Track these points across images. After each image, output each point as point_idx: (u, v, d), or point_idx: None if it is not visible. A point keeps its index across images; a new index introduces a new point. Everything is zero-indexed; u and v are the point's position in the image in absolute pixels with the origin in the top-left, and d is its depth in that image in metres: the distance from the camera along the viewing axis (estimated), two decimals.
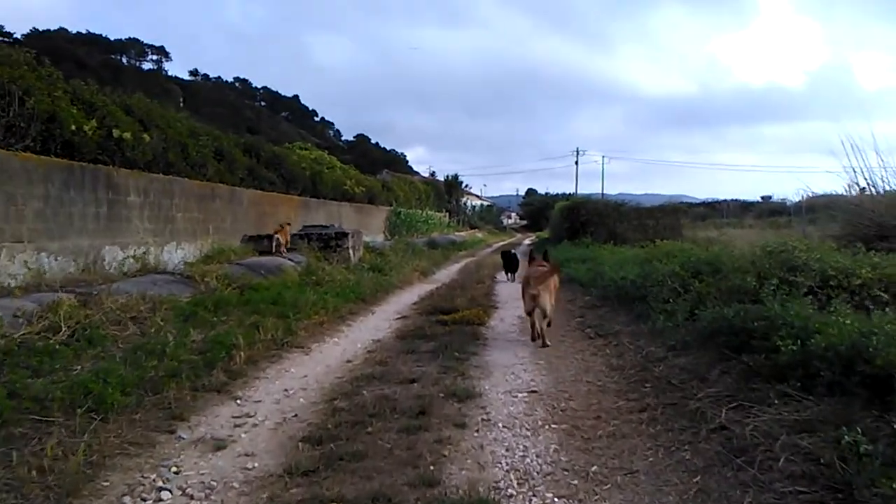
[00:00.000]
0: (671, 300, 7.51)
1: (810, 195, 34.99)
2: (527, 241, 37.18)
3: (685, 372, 5.18)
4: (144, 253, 12.20)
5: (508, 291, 13.64)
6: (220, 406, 5.30)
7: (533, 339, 7.59)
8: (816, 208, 30.93)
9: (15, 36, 54.62)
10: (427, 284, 15.28)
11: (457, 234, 39.20)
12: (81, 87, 13.68)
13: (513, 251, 18.50)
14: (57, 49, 55.65)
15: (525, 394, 5.40)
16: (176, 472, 3.94)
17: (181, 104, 60.74)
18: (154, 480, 3.80)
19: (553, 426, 4.63)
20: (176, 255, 15.11)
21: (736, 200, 54.64)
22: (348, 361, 6.85)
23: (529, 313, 7.56)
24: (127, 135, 13.72)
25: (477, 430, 4.57)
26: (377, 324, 9.40)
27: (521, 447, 4.23)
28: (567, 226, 23.53)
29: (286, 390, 5.78)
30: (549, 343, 7.33)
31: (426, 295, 12.41)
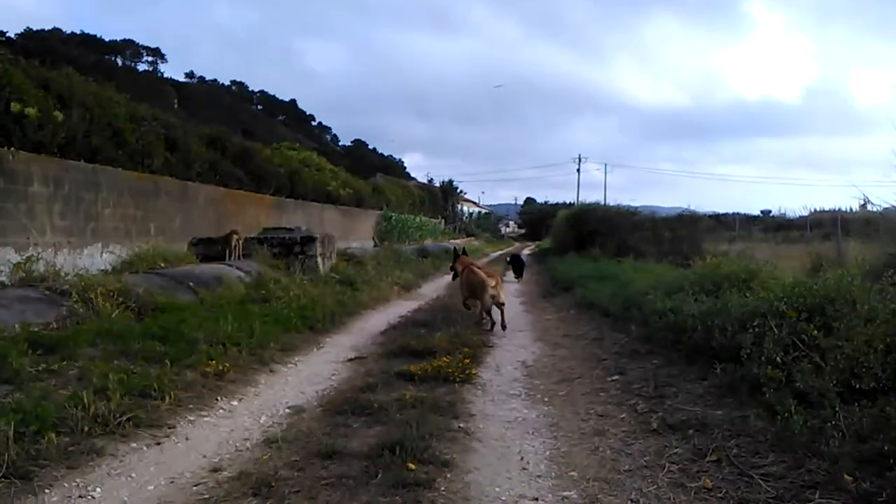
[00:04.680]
0: (783, 361, 4.30)
1: (816, 210, 31.96)
2: (526, 251, 33.83)
3: None
4: (30, 257, 8.92)
5: (508, 313, 10.34)
6: None
7: (492, 328, 8.42)
8: (823, 223, 28.08)
9: (8, 35, 51.37)
10: (408, 302, 12.04)
11: (452, 241, 35.84)
12: None
13: (520, 254, 20.21)
14: (51, 49, 52.45)
15: None
16: None
17: (175, 105, 57.57)
18: None
19: None
20: (100, 259, 11.88)
21: (738, 214, 51.60)
22: (214, 471, 3.59)
23: (488, 312, 8.51)
24: (31, 111, 10.51)
25: None
26: (315, 372, 6.14)
27: None
28: (573, 235, 20.24)
29: None
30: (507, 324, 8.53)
31: (400, 321, 9.14)
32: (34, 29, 56.50)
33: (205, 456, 3.84)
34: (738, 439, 3.63)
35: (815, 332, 4.54)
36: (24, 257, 9.11)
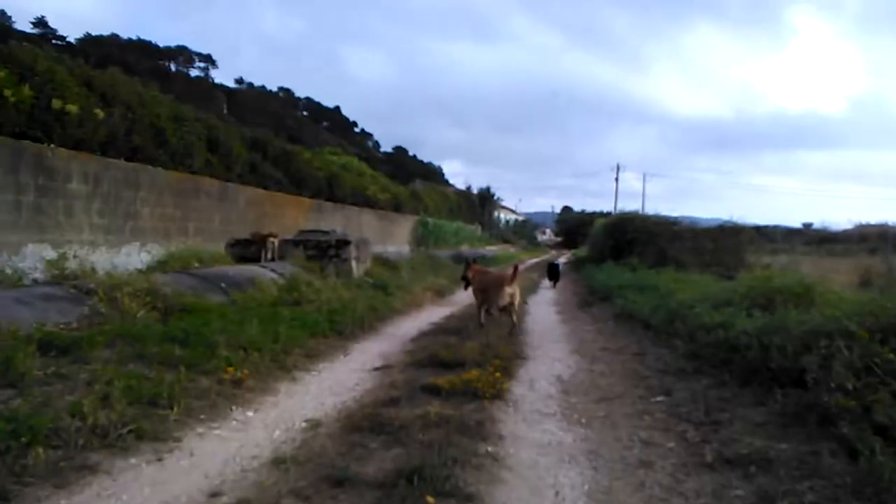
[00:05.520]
0: (856, 388, 3.70)
1: (861, 223, 30.49)
2: (562, 259, 33.07)
3: None
4: (64, 254, 8.76)
5: (544, 323, 9.87)
6: None
7: (511, 332, 8.09)
8: (868, 237, 26.71)
9: (68, 40, 52.73)
10: (440, 308, 11.60)
11: (488, 248, 35.30)
12: (17, 47, 10.49)
13: (556, 262, 20.92)
14: (108, 54, 53.67)
15: None
16: None
17: (225, 110, 58.30)
18: None
19: None
20: (138, 257, 11.71)
21: (778, 226, 49.78)
22: (213, 496, 3.16)
23: (503, 308, 8.28)
24: (72, 108, 10.37)
25: None
26: (338, 380, 5.71)
27: None
28: (611, 244, 19.49)
29: None
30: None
31: (431, 327, 8.71)
32: (93, 34, 57.68)
33: (207, 476, 3.42)
34: (811, 481, 3.03)
35: (892, 355, 3.93)
36: (58, 254, 8.96)
